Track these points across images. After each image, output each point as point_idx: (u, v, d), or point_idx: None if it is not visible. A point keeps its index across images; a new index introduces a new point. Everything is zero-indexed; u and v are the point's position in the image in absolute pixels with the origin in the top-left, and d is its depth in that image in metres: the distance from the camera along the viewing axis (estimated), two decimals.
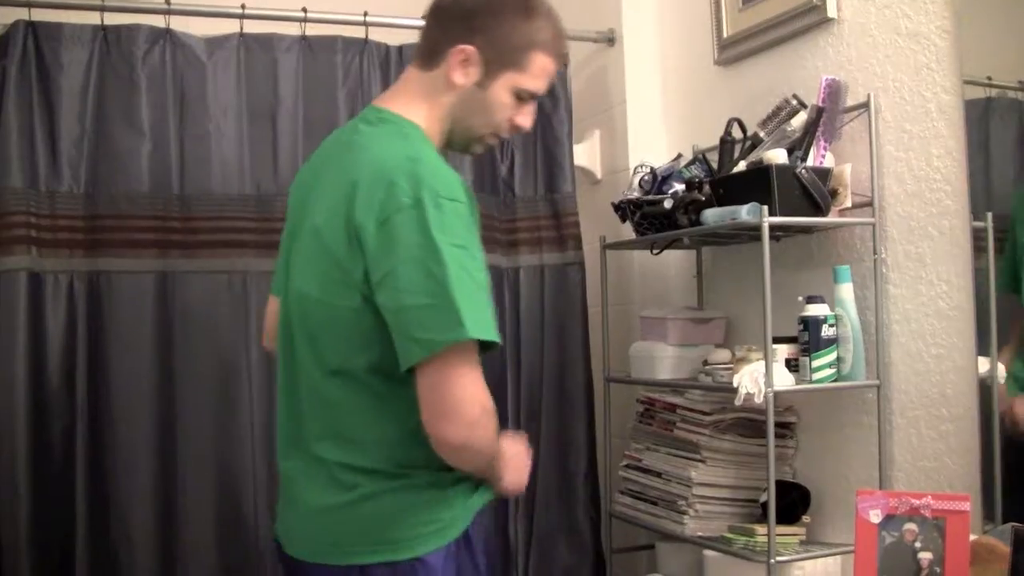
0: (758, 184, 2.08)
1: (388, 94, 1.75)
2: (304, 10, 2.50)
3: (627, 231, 2.54)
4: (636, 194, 2.45)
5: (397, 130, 1.64)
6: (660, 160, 2.58)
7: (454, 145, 1.74)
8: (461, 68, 1.65)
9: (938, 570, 1.70)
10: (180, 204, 2.38)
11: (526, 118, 1.74)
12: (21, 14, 2.29)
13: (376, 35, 2.59)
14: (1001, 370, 1.89)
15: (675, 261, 2.73)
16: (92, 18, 2.34)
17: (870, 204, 2.11)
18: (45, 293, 2.27)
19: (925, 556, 1.72)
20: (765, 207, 2.02)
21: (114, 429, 2.30)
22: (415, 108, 1.67)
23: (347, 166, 1.58)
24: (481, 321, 1.46)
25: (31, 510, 2.21)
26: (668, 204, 2.31)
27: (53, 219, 2.29)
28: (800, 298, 2.10)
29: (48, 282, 2.28)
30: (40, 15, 2.31)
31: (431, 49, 1.68)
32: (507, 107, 1.69)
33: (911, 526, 1.75)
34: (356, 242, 1.50)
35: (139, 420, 2.31)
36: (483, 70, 1.65)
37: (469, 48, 1.64)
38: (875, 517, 1.78)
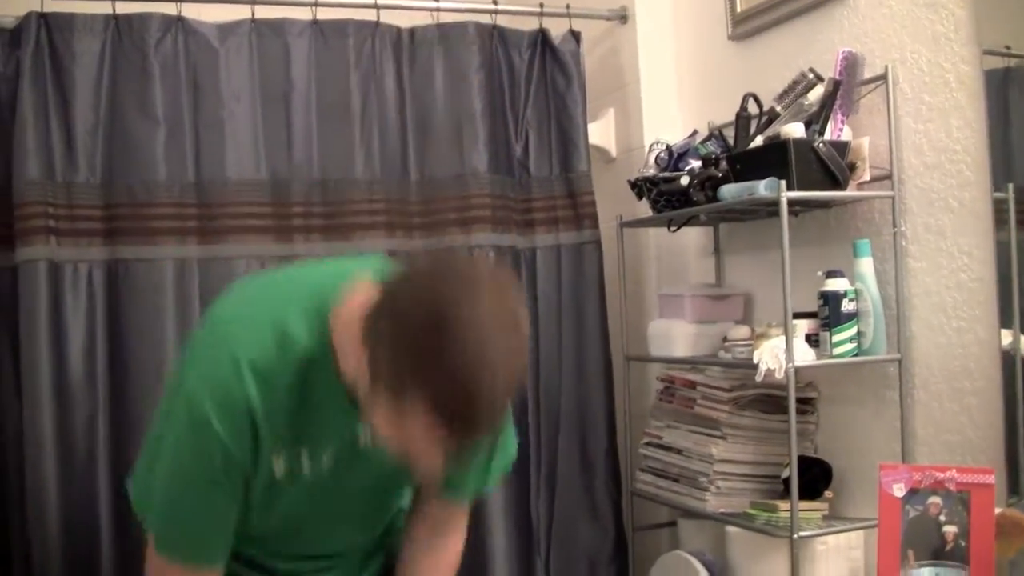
0: (775, 159, 2.07)
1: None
2: None
3: (643, 209, 2.53)
4: (652, 171, 2.45)
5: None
6: (675, 137, 2.57)
7: None
8: (354, 359, 1.31)
9: (963, 543, 1.70)
10: (196, 191, 2.39)
11: (427, 463, 1.33)
12: (33, 5, 2.29)
13: (387, 17, 2.58)
14: None
15: (692, 238, 2.72)
16: (104, 7, 2.34)
17: (889, 177, 2.09)
18: (64, 283, 2.28)
19: (950, 529, 1.72)
20: (783, 182, 2.01)
21: (136, 416, 2.30)
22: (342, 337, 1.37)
23: None
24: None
25: (58, 497, 2.23)
26: (685, 181, 2.30)
27: (70, 209, 2.30)
28: (819, 273, 2.10)
29: (67, 272, 2.29)
30: (52, 6, 2.30)
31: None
32: (390, 437, 1.32)
33: (935, 499, 1.75)
34: None
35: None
36: (370, 373, 1.27)
37: (357, 347, 1.28)
38: (899, 491, 1.78)
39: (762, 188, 2.05)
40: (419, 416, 1.20)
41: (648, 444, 2.51)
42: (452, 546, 1.71)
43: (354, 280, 1.38)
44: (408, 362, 1.19)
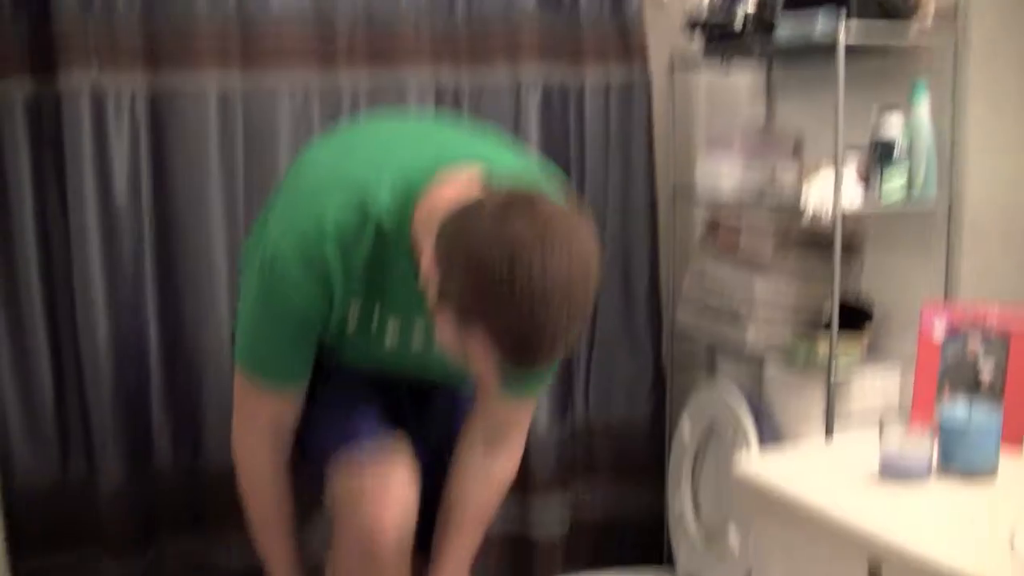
0: None
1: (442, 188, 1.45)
2: None
3: (695, 49, 2.49)
4: (705, 11, 2.39)
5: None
6: None
7: None
8: (431, 267, 1.34)
9: (1000, 383, 1.74)
10: (239, 23, 2.35)
11: (486, 373, 1.38)
12: None
13: None
14: None
15: (744, 79, 2.68)
16: None
17: (953, 18, 2.04)
18: (108, 112, 2.27)
19: (987, 369, 1.76)
20: (840, 22, 1.97)
21: (181, 246, 2.36)
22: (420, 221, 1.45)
23: None
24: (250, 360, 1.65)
25: (107, 323, 2.30)
26: (739, 21, 2.25)
27: (111, 40, 2.27)
28: (873, 115, 2.07)
29: (110, 101, 2.27)
30: None
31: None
32: (449, 341, 1.36)
33: (975, 340, 1.78)
34: None
35: (204, 238, 2.36)
36: (439, 290, 1.32)
37: (431, 260, 1.33)
38: (939, 331, 1.81)
39: (818, 29, 2.01)
40: (480, 342, 1.28)
41: (691, 281, 2.55)
42: (506, 464, 1.80)
43: (449, 169, 1.47)
44: (476, 296, 1.25)
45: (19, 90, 2.23)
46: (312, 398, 1.73)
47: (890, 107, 2.04)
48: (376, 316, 1.61)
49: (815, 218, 2.06)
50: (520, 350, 1.26)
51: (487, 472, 1.79)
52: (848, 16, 1.97)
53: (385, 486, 1.65)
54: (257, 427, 1.70)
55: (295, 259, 1.50)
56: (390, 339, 1.65)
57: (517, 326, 1.23)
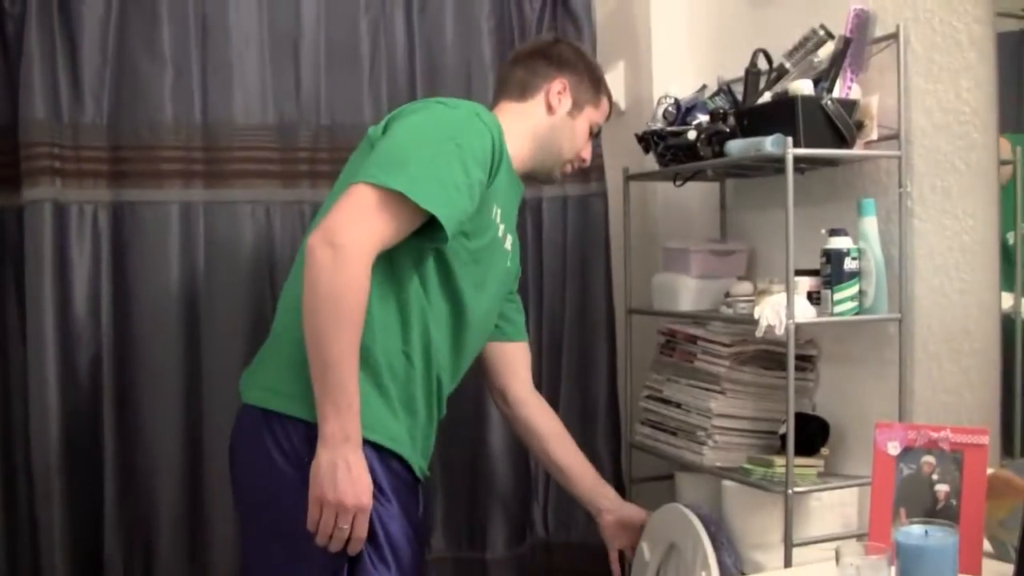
0: (783, 116, 2.06)
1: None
2: None
3: (650, 162, 2.52)
4: (660, 125, 2.43)
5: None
6: (685, 91, 2.55)
7: (538, 171, 2.06)
8: (558, 97, 2.02)
9: (955, 502, 1.72)
10: (203, 134, 2.38)
11: (588, 151, 2.12)
12: None
13: None
14: None
15: (698, 193, 2.71)
16: None
17: (896, 137, 2.08)
18: (70, 224, 2.29)
19: (942, 488, 1.73)
20: (789, 138, 2.00)
21: (140, 356, 2.33)
22: (514, 128, 1.95)
23: None
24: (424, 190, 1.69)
25: (60, 436, 2.26)
26: (692, 135, 2.29)
27: (76, 150, 2.30)
28: (823, 231, 2.09)
29: (72, 213, 2.30)
30: None
31: (522, 85, 2.03)
32: (583, 138, 2.08)
33: (929, 459, 1.76)
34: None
35: (164, 349, 2.33)
36: (572, 102, 2.03)
37: (564, 81, 2.02)
38: (893, 449, 1.79)
39: (768, 144, 2.04)
40: (604, 103, 2.12)
41: (648, 397, 2.53)
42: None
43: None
44: (594, 74, 2.09)
45: None
46: None
47: (838, 231, 2.07)
48: (497, 220, 1.91)
49: (768, 331, 2.05)
50: (608, 96, 2.14)
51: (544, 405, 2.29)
52: (795, 145, 2.01)
53: None
54: (368, 249, 1.67)
55: (481, 129, 1.79)
56: (505, 247, 1.99)
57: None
